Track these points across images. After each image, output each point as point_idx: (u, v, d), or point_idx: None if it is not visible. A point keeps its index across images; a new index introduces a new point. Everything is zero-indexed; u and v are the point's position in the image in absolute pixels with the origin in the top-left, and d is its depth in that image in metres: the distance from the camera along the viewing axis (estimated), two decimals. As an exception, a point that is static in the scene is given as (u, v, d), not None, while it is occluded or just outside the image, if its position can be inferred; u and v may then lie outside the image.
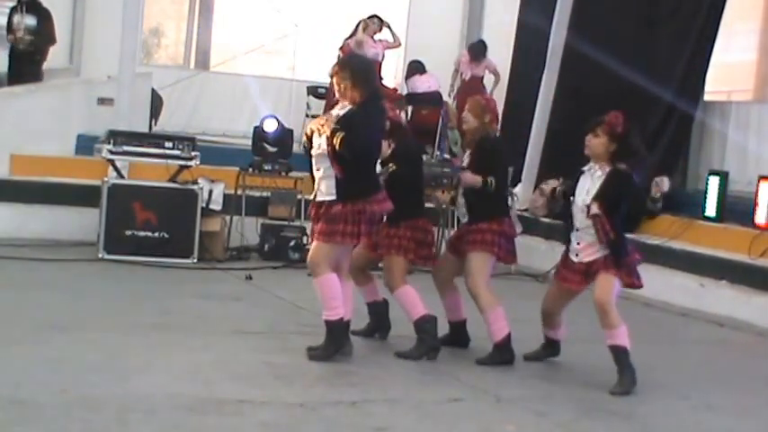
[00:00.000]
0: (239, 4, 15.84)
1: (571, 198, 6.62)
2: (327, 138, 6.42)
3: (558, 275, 6.84)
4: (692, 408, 6.29)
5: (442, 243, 11.05)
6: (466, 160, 7.14)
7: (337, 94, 6.64)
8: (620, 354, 6.44)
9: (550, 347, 7.13)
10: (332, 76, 6.82)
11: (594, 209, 6.44)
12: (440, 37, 15.78)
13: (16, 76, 12.67)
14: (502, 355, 6.88)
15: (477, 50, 14.39)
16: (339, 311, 6.58)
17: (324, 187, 6.54)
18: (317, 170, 6.58)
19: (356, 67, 6.66)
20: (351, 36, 13.47)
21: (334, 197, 6.48)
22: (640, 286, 6.63)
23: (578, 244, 6.59)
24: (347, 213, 6.45)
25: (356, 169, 6.44)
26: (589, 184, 6.56)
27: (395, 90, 14.16)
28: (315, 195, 6.65)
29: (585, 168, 6.62)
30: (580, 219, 6.55)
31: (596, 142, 6.53)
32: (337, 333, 6.60)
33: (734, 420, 6.19)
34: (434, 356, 6.88)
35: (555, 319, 7.00)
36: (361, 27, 13.58)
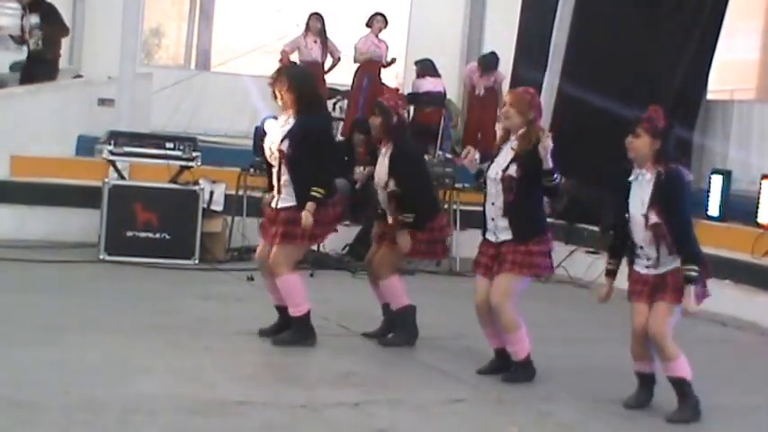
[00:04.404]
0: (240, 4, 15.82)
1: (626, 215, 5.97)
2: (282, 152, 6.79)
3: (633, 296, 6.05)
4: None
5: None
6: (506, 164, 6.33)
7: (279, 103, 6.94)
8: (679, 385, 5.95)
9: (647, 387, 6.15)
10: (271, 86, 6.95)
11: (653, 218, 5.84)
12: (441, 39, 15.75)
13: (29, 76, 12.61)
14: (527, 371, 6.53)
15: (490, 62, 14.12)
16: (304, 307, 6.94)
17: (285, 193, 6.86)
18: (278, 179, 6.88)
19: (293, 72, 7.05)
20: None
21: (294, 203, 6.80)
22: (701, 302, 6.03)
23: (648, 260, 5.95)
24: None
25: (311, 176, 6.77)
26: (640, 192, 5.92)
27: (396, 90, 14.11)
28: (277, 202, 6.91)
29: (632, 178, 5.98)
30: (642, 235, 5.91)
31: (639, 143, 5.89)
32: (304, 326, 6.96)
33: (737, 420, 6.18)
34: (413, 342, 7.17)
35: (649, 348, 6.05)
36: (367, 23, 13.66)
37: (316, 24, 13.44)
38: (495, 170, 6.39)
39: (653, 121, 5.92)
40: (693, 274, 5.83)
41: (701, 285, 5.95)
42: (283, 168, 6.86)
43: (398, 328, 7.25)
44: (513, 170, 6.28)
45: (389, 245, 7.22)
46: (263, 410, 5.47)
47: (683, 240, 5.87)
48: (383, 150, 7.25)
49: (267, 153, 6.99)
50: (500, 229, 6.36)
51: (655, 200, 5.84)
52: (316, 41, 13.42)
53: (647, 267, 5.98)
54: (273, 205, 6.95)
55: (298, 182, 6.82)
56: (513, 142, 6.38)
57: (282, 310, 7.11)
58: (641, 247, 5.95)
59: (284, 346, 6.90)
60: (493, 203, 6.38)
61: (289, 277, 6.88)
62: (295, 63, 7.54)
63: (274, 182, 6.96)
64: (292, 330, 7.00)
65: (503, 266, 6.34)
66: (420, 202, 7.16)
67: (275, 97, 6.96)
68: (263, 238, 7.14)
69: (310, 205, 6.74)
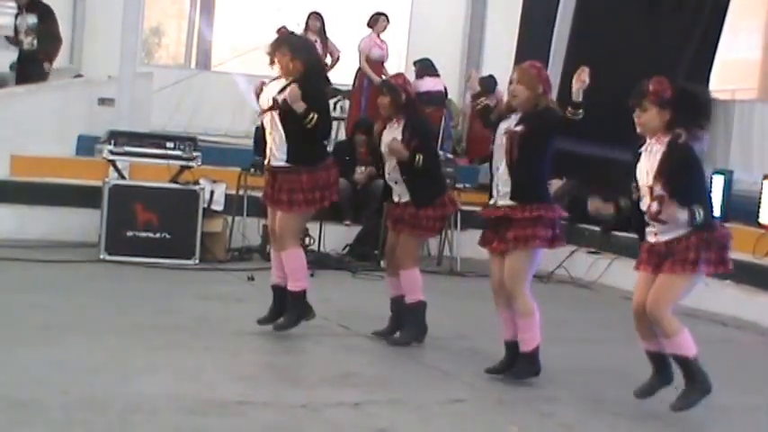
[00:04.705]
0: (240, 3, 15.81)
1: (633, 185, 5.79)
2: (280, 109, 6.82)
3: (639, 265, 5.85)
4: (696, 407, 6.24)
5: (445, 245, 11.04)
6: (513, 123, 6.28)
7: (279, 72, 6.98)
8: (683, 364, 5.78)
9: (661, 370, 5.95)
10: (270, 55, 7.00)
11: (658, 189, 5.61)
12: (442, 38, 15.75)
13: (22, 76, 12.61)
14: (531, 366, 6.43)
15: (489, 85, 14.04)
16: (303, 284, 7.07)
17: (278, 151, 6.93)
18: (274, 135, 6.94)
19: (293, 41, 7.15)
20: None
21: (285, 163, 6.90)
22: (727, 270, 5.82)
23: (654, 229, 5.73)
24: (303, 182, 6.87)
25: (305, 136, 6.83)
26: (649, 164, 5.70)
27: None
28: (269, 160, 7.01)
29: (643, 148, 5.77)
30: (651, 204, 5.67)
31: (647, 117, 5.67)
32: (300, 303, 7.09)
33: (737, 420, 6.18)
34: (422, 339, 7.17)
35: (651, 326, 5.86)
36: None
37: (315, 23, 13.40)
38: (502, 129, 6.33)
39: (659, 93, 5.66)
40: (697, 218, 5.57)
41: (713, 249, 5.69)
42: (277, 124, 6.88)
43: (407, 325, 7.20)
44: (518, 128, 6.23)
45: (407, 230, 7.14)
46: (264, 410, 5.46)
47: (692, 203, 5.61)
48: (394, 125, 7.20)
49: (263, 106, 7.00)
50: (502, 194, 6.29)
51: (660, 171, 5.60)
52: (315, 40, 13.36)
53: (655, 235, 5.73)
54: (267, 164, 7.04)
55: (291, 137, 6.84)
56: (521, 108, 6.31)
57: (278, 291, 7.16)
58: (649, 217, 5.71)
59: (285, 329, 7.06)
60: (498, 165, 6.32)
61: (294, 251, 7.04)
62: (293, 32, 7.63)
63: (268, 140, 6.99)
64: (289, 310, 7.09)
65: (507, 244, 6.25)
66: (431, 174, 7.13)
67: (272, 63, 6.99)
68: (269, 205, 7.16)
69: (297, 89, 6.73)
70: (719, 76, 12.27)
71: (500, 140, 6.32)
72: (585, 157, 11.01)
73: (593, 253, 11.09)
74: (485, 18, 16.36)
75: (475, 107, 6.70)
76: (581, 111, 6.07)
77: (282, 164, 6.93)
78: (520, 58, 14.30)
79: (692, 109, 5.72)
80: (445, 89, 14.04)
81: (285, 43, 6.99)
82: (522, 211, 6.21)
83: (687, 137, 5.63)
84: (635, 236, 6.09)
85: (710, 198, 5.87)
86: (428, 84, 13.77)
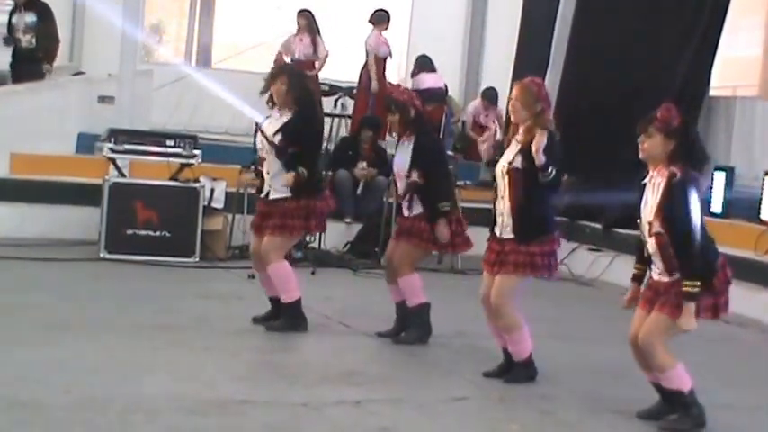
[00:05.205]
0: (241, 1, 15.79)
1: (638, 221, 5.72)
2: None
3: (640, 301, 5.80)
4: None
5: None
6: (512, 157, 6.22)
7: (276, 100, 7.22)
8: (677, 398, 5.69)
9: (668, 400, 5.80)
10: (268, 87, 7.24)
11: (656, 227, 5.54)
12: (442, 36, 15.74)
13: (18, 75, 12.58)
14: (528, 371, 6.49)
15: (491, 96, 14.13)
16: (295, 294, 7.23)
17: (276, 185, 7.12)
18: (268, 173, 7.18)
19: (290, 71, 7.52)
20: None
21: (287, 194, 7.08)
22: (716, 317, 5.69)
23: (658, 268, 5.66)
24: (299, 209, 7.10)
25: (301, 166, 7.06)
26: (651, 197, 5.60)
27: (398, 86, 14.05)
28: (267, 194, 7.21)
29: (646, 180, 5.66)
30: (649, 241, 5.63)
31: (651, 144, 5.54)
32: (295, 313, 7.24)
33: (739, 419, 6.15)
34: (426, 340, 7.23)
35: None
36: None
37: (303, 21, 13.33)
38: (502, 164, 6.30)
39: (666, 120, 5.54)
40: (691, 290, 5.50)
41: (708, 298, 5.59)
42: (274, 160, 7.10)
43: (412, 326, 7.24)
44: (518, 162, 6.17)
45: (409, 240, 7.15)
46: (264, 410, 5.45)
47: (682, 253, 5.52)
48: (405, 143, 7.22)
49: (258, 146, 7.26)
50: (505, 227, 6.27)
51: (660, 207, 5.52)
52: (302, 40, 13.29)
53: (659, 274, 5.66)
54: (263, 196, 7.24)
55: (290, 169, 7.06)
56: (519, 135, 6.26)
57: (275, 301, 7.34)
58: (650, 254, 5.66)
59: (276, 332, 7.18)
60: (502, 197, 6.29)
61: (279, 265, 7.19)
62: (288, 63, 7.82)
63: (265, 174, 7.22)
64: (284, 317, 7.25)
65: (504, 267, 6.27)
66: (446, 192, 7.15)
67: (270, 98, 7.21)
68: (255, 234, 7.42)
69: (293, 174, 7.01)
70: (720, 73, 12.27)
71: (501, 168, 6.29)
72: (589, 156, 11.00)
73: (594, 250, 11.07)
74: (485, 17, 16.36)
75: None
76: (548, 171, 6.04)
77: (283, 196, 7.11)
78: (520, 58, 14.32)
79: (691, 148, 5.63)
80: (445, 86, 14.03)
81: (283, 73, 7.30)
82: (527, 247, 6.23)
83: (683, 175, 5.52)
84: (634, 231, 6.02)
85: (713, 244, 5.71)
86: (428, 81, 13.75)
